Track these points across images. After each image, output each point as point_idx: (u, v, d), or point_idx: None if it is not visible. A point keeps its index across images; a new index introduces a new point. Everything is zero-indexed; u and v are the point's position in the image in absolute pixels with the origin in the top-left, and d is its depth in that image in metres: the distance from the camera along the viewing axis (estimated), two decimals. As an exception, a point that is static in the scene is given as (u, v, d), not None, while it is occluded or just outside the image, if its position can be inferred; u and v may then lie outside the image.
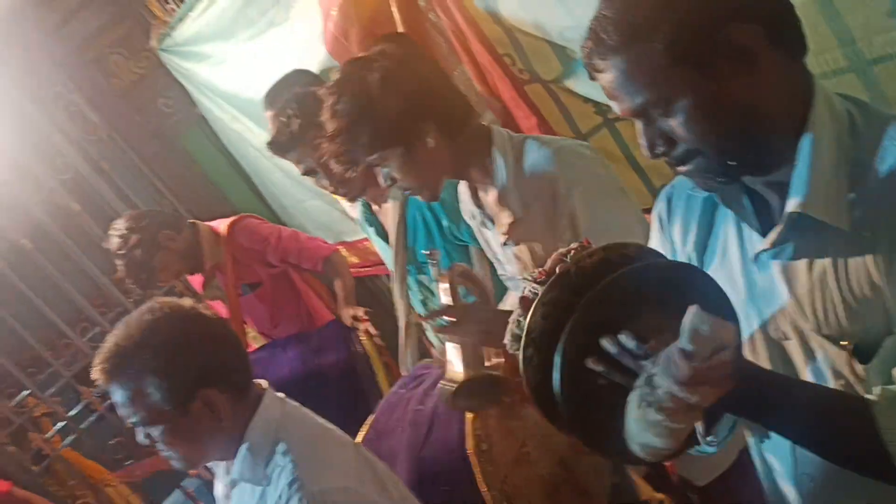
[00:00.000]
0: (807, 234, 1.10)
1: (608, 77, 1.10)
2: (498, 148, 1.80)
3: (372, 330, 2.86)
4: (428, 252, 2.02)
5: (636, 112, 1.11)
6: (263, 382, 1.79)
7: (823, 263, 1.10)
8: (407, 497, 1.82)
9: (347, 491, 1.64)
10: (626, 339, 1.04)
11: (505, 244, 1.86)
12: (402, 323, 2.51)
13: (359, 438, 2.22)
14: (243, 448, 1.68)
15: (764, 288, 1.19)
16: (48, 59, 4.35)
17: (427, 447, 2.03)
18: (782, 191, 1.11)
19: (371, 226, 2.59)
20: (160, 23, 4.28)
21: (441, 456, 2.01)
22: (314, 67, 3.25)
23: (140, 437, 1.69)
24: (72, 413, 4.19)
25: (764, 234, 1.16)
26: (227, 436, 1.69)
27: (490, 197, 1.87)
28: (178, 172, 4.65)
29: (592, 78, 1.15)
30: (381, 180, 1.83)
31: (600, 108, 2.50)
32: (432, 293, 2.46)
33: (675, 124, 1.08)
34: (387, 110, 1.72)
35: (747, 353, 1.25)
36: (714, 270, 1.28)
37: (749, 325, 1.23)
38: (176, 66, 4.37)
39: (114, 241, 3.15)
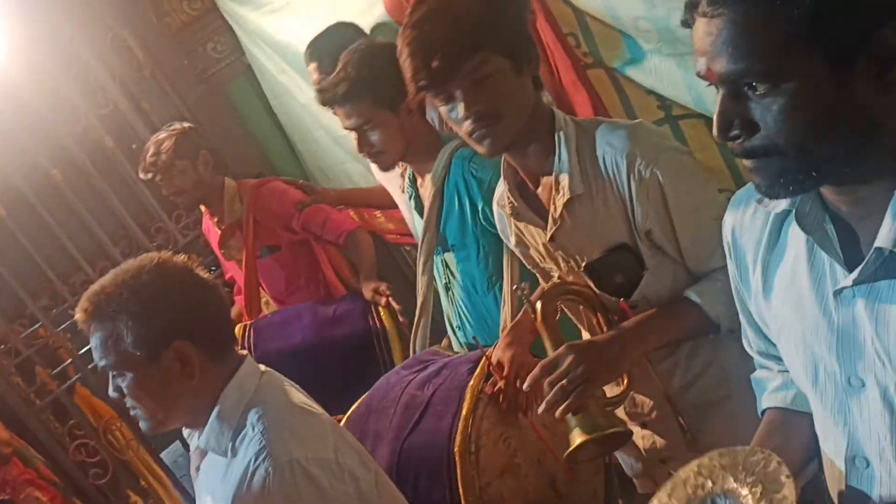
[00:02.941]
0: None
1: (714, 26, 0.91)
2: (561, 130, 1.61)
3: (395, 304, 2.73)
4: (517, 287, 1.87)
5: (729, 78, 0.92)
6: (244, 351, 1.71)
7: None
8: (387, 484, 1.72)
9: (323, 462, 1.54)
10: None
11: (552, 240, 1.69)
12: (420, 299, 2.39)
13: (350, 410, 2.12)
14: (213, 414, 1.61)
15: (843, 325, 1.02)
16: (102, -11, 4.25)
17: (414, 435, 1.91)
18: (875, 219, 0.94)
19: (410, 198, 2.46)
20: (218, -36, 4.16)
21: (425, 448, 1.89)
22: (371, 25, 3.12)
23: (111, 389, 1.63)
24: (82, 352, 4.11)
25: (849, 266, 0.99)
26: (197, 398, 1.62)
27: (543, 187, 1.69)
28: (218, 121, 4.51)
29: (687, 24, 0.96)
30: (443, 111, 1.58)
31: (664, 103, 2.34)
32: (455, 277, 2.34)
33: (770, 109, 0.91)
34: (515, 10, 1.54)
35: (810, 395, 1.11)
36: (778, 295, 1.13)
37: (814, 361, 1.07)
38: (230, 10, 4.25)
39: (164, 130, 3.18)
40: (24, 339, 4.02)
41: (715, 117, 0.96)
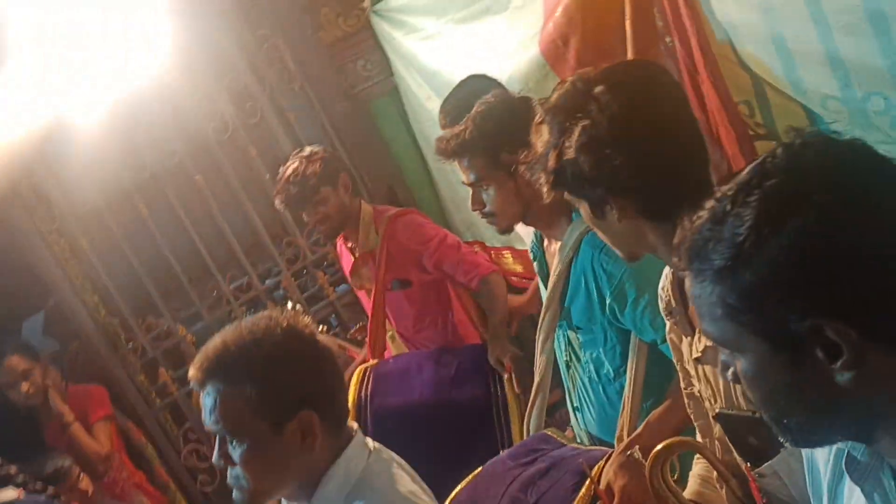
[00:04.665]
0: None
1: (688, 285, 0.95)
2: None
3: (516, 387, 2.53)
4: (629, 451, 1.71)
5: (708, 339, 1.00)
6: (354, 425, 1.60)
7: None
8: None
9: None
10: None
11: (698, 359, 1.47)
12: (537, 379, 2.21)
13: (453, 494, 2.01)
14: (316, 496, 1.51)
15: None
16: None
17: None
18: None
19: (535, 259, 2.30)
20: (377, -17, 4.11)
21: None
22: (524, 64, 2.99)
23: (216, 456, 1.52)
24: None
25: None
26: (306, 473, 1.52)
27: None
28: (360, 138, 4.48)
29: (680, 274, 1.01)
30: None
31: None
32: (577, 357, 2.16)
33: (739, 372, 0.94)
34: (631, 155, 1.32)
35: None
36: None
37: None
38: (384, 31, 4.20)
39: (298, 158, 3.06)
40: (151, 340, 4.09)
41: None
